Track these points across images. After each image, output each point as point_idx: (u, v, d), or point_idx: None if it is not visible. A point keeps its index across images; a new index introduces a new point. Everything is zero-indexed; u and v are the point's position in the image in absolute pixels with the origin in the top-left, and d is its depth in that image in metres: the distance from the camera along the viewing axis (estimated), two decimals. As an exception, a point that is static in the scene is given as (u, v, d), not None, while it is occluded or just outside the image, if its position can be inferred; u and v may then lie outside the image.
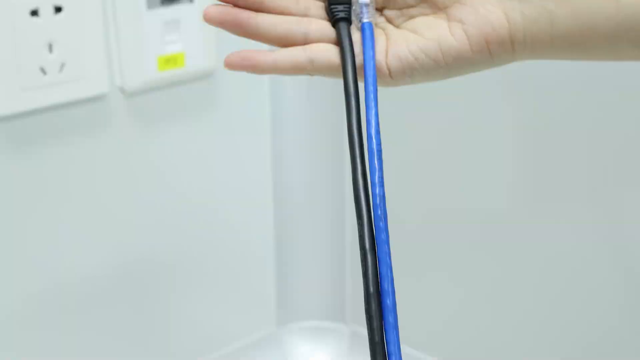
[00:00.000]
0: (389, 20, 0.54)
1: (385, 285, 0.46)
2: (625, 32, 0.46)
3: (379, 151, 0.48)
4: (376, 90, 0.49)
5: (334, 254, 1.12)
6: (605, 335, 0.92)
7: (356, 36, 0.52)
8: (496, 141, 0.94)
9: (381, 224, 0.46)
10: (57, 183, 0.83)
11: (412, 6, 0.53)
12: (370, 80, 0.50)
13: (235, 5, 0.51)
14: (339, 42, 0.51)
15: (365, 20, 0.52)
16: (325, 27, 0.52)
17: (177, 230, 0.94)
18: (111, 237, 0.88)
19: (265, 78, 0.95)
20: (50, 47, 0.78)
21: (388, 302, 0.46)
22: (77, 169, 0.84)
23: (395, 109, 0.94)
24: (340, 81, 0.51)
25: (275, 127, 1.00)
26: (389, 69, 0.51)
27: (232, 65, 0.51)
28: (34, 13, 0.76)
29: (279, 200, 1.05)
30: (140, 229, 0.90)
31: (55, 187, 0.83)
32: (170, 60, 0.85)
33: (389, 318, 0.45)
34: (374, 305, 0.45)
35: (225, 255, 0.99)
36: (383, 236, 0.46)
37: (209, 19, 0.50)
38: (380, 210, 0.47)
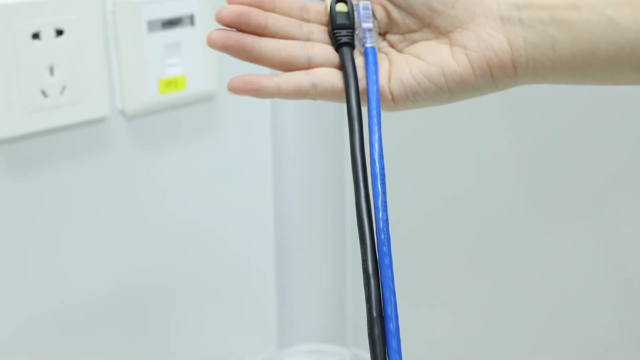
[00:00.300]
0: (392, 45, 0.54)
1: (389, 309, 0.46)
2: (627, 56, 0.47)
3: (383, 175, 0.48)
4: (379, 114, 0.49)
5: (335, 277, 1.12)
6: (604, 352, 0.92)
7: (359, 61, 0.52)
8: (497, 163, 0.95)
9: (384, 248, 0.46)
10: (58, 205, 0.83)
11: (414, 31, 0.53)
12: (373, 104, 0.50)
13: (239, 30, 0.51)
14: (342, 67, 0.51)
15: (368, 44, 0.52)
16: (328, 52, 0.53)
17: (177, 252, 0.94)
18: (112, 258, 0.88)
19: (267, 101, 0.96)
20: (52, 70, 0.78)
21: (391, 326, 0.45)
22: (78, 191, 0.84)
23: (398, 132, 0.95)
24: (342, 104, 0.51)
25: (276, 150, 1.00)
26: (391, 94, 0.51)
27: (236, 89, 0.51)
28: (36, 36, 0.76)
29: (280, 223, 1.05)
30: (141, 250, 0.90)
31: (56, 210, 0.83)
32: (171, 83, 0.85)
33: (392, 343, 0.45)
34: (377, 330, 0.45)
35: (226, 277, 0.99)
36: (386, 260, 0.46)
37: (212, 44, 0.51)
38: (384, 234, 0.47)
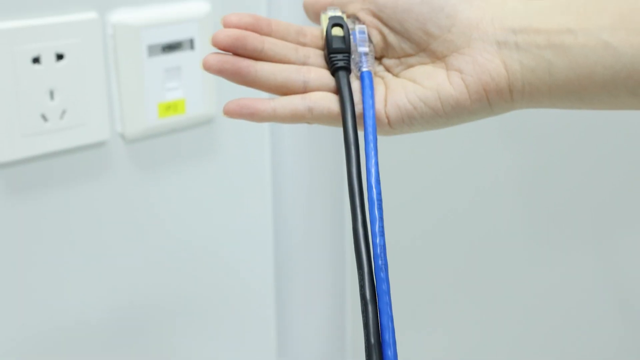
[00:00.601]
0: (388, 69, 0.54)
1: (387, 336, 0.45)
2: (623, 81, 0.46)
3: (380, 200, 0.48)
4: (376, 139, 0.49)
5: (334, 302, 1.11)
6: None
7: (355, 85, 0.52)
8: (494, 187, 0.94)
9: (382, 274, 0.46)
10: (58, 229, 0.83)
11: (410, 55, 0.53)
12: (370, 129, 0.50)
13: (235, 54, 0.51)
14: (338, 91, 0.51)
15: (364, 69, 0.52)
16: (324, 76, 0.53)
17: (177, 274, 0.93)
18: (112, 281, 0.88)
19: (266, 125, 0.96)
20: (52, 94, 0.78)
21: (389, 353, 0.45)
22: (78, 215, 0.84)
23: (394, 156, 0.95)
24: (341, 129, 0.51)
25: (275, 174, 1.00)
26: (388, 118, 0.51)
27: (231, 113, 0.51)
28: (36, 60, 0.76)
29: (279, 248, 1.04)
30: (141, 273, 0.90)
31: (57, 233, 0.83)
32: (170, 107, 0.85)
33: (390, 369, 0.45)
34: (375, 357, 0.45)
35: (225, 299, 0.99)
36: (384, 286, 0.46)
37: (208, 68, 0.51)
38: (381, 260, 0.46)
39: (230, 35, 0.51)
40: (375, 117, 0.50)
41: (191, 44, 0.85)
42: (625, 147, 0.84)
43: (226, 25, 0.52)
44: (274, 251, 1.03)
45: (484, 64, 0.50)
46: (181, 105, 0.86)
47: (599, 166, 0.86)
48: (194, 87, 0.86)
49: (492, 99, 0.50)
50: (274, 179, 1.00)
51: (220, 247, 0.96)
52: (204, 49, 0.86)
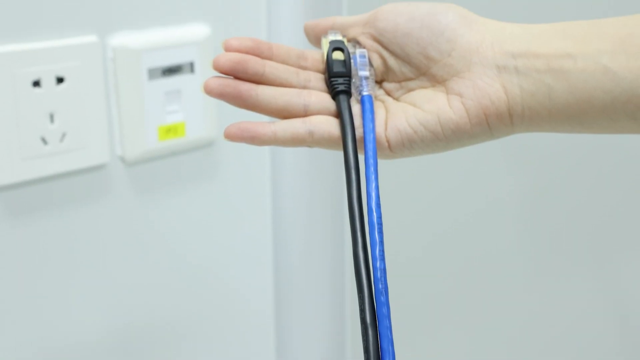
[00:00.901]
0: (389, 93, 0.54)
1: (387, 360, 0.45)
2: (623, 105, 0.47)
3: (380, 224, 0.48)
4: (376, 163, 0.49)
5: (334, 324, 1.11)
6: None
7: (356, 108, 0.52)
8: (496, 211, 0.94)
9: (382, 297, 0.46)
10: (58, 252, 0.83)
11: (411, 79, 0.53)
12: (370, 153, 0.50)
13: (236, 77, 0.52)
14: (339, 115, 0.51)
15: (365, 93, 0.52)
16: (325, 100, 0.53)
17: (178, 297, 0.93)
18: (112, 304, 0.87)
19: (266, 147, 0.96)
20: (52, 117, 0.78)
21: (390, 377, 0.45)
22: (78, 238, 0.84)
23: (395, 179, 0.95)
24: (341, 152, 0.51)
25: (276, 197, 1.00)
26: (388, 142, 0.51)
27: (232, 136, 0.51)
28: (36, 84, 0.77)
29: (279, 270, 1.04)
30: (141, 296, 0.90)
31: (57, 257, 0.83)
32: (171, 130, 0.85)
33: (391, 393, 0.45)
34: (375, 381, 0.45)
35: (226, 321, 0.99)
36: (384, 310, 0.46)
37: (209, 91, 0.51)
38: (381, 284, 0.46)
39: (231, 59, 0.51)
40: (375, 140, 0.50)
41: (191, 67, 0.85)
42: (625, 169, 0.84)
43: (227, 49, 0.52)
44: (274, 274, 1.03)
45: (484, 88, 0.50)
46: (181, 128, 0.86)
47: (599, 187, 0.87)
48: (194, 110, 0.86)
49: (492, 123, 0.50)
50: (275, 202, 1.00)
51: (220, 269, 0.96)
52: (204, 72, 0.86)
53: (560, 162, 0.88)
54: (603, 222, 0.87)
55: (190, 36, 0.85)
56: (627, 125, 0.48)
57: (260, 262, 1.00)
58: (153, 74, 0.83)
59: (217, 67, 0.51)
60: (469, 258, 0.98)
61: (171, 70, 0.84)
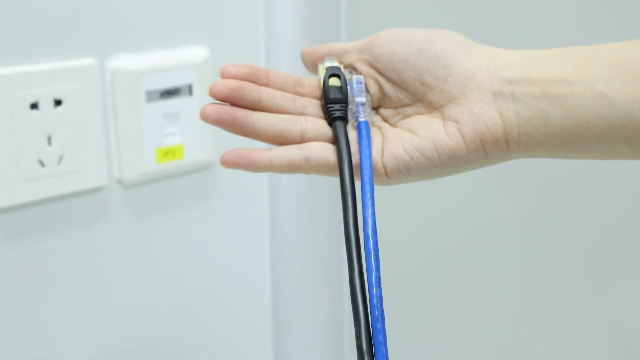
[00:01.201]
0: (385, 119, 0.54)
1: (384, 388, 0.45)
2: (619, 131, 0.46)
3: (376, 251, 0.48)
4: (372, 189, 0.49)
5: (331, 350, 1.11)
6: None
7: (352, 135, 0.52)
8: (492, 239, 0.94)
9: (378, 325, 0.46)
10: (57, 274, 0.82)
11: (407, 105, 0.53)
12: (367, 179, 0.50)
13: (233, 104, 0.52)
14: (335, 141, 0.51)
15: (361, 119, 0.52)
16: (321, 126, 0.53)
17: (176, 320, 0.93)
18: (112, 326, 0.87)
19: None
20: (50, 140, 0.78)
21: (386, 405, 0.45)
22: (76, 260, 0.83)
23: (391, 201, 0.94)
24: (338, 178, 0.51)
25: (273, 220, 1.00)
26: (384, 168, 0.51)
27: (228, 163, 0.51)
28: (34, 106, 0.77)
29: (277, 293, 1.04)
30: (139, 318, 0.89)
31: (55, 278, 0.82)
32: (169, 153, 0.85)
33: (387, 421, 0.45)
34: (372, 409, 0.45)
35: (224, 344, 0.98)
36: (380, 337, 0.46)
37: (205, 118, 0.51)
38: (378, 311, 0.46)
39: (227, 85, 0.51)
40: (372, 167, 0.50)
41: (189, 89, 0.85)
42: (622, 196, 0.84)
43: (224, 75, 0.52)
44: (272, 296, 1.02)
45: (480, 114, 0.50)
46: (179, 150, 0.86)
47: (596, 209, 0.86)
48: (192, 133, 0.86)
49: (488, 149, 0.50)
50: (272, 224, 1.00)
51: (218, 290, 0.96)
52: (203, 95, 0.86)
53: (557, 184, 0.88)
54: (600, 245, 0.87)
55: (189, 59, 0.85)
56: (624, 151, 0.47)
57: (258, 284, 0.99)
58: (151, 96, 0.83)
59: (213, 94, 0.51)
60: (466, 285, 0.98)
61: (169, 93, 0.84)
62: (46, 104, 0.77)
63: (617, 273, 0.87)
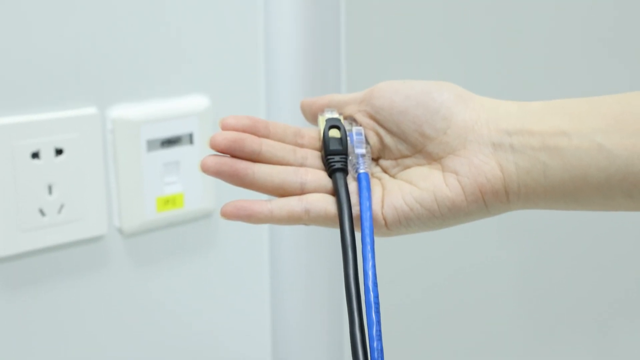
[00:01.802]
0: (385, 170, 0.54)
1: None
2: (618, 183, 0.47)
3: (377, 304, 0.47)
4: (373, 241, 0.49)
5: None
6: None
7: (352, 186, 0.52)
8: (494, 289, 0.94)
9: (380, 379, 0.46)
10: (57, 324, 0.82)
11: (407, 156, 0.53)
12: (367, 231, 0.50)
13: (233, 156, 0.52)
14: (335, 193, 0.52)
15: (361, 170, 0.52)
16: (321, 177, 0.53)
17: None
18: (106, 378, 0.87)
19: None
20: (50, 189, 0.78)
21: None
22: (76, 309, 0.83)
23: (392, 257, 0.94)
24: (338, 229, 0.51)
25: (274, 269, 1.00)
26: (385, 220, 0.51)
27: (228, 215, 0.51)
28: (35, 155, 0.77)
29: (277, 343, 1.03)
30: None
31: (55, 329, 0.82)
32: (169, 201, 0.85)
33: None
34: None
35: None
36: (382, 391, 0.46)
37: (206, 170, 0.51)
38: (379, 364, 0.46)
39: (227, 137, 0.51)
40: (372, 219, 0.50)
41: (190, 138, 0.85)
42: (622, 244, 0.84)
43: (224, 127, 0.52)
44: (272, 346, 1.02)
45: (480, 165, 0.50)
46: (180, 199, 0.86)
47: (592, 257, 0.86)
48: (192, 182, 0.86)
49: (488, 200, 0.50)
50: (273, 273, 1.00)
51: (219, 339, 0.95)
52: (203, 144, 0.86)
53: (555, 229, 0.88)
54: (600, 289, 0.87)
55: (190, 108, 0.85)
56: (623, 203, 0.48)
57: (258, 334, 0.99)
58: (152, 145, 0.83)
59: (213, 146, 0.51)
60: (468, 335, 0.97)
61: (170, 142, 0.84)
62: (47, 153, 0.77)
63: (615, 315, 0.86)
